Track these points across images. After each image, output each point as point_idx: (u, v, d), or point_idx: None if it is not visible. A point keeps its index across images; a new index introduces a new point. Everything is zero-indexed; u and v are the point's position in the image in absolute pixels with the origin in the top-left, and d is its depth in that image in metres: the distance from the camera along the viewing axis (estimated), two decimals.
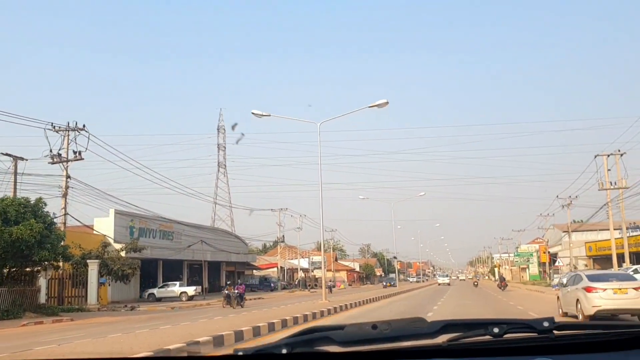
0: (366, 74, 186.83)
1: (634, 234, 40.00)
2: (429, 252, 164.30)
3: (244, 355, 1.60)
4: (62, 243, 23.67)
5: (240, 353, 1.61)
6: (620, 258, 43.87)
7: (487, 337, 1.65)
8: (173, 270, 52.28)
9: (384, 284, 64.01)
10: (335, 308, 19.12)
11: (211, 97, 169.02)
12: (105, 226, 39.89)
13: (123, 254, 33.81)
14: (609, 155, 36.32)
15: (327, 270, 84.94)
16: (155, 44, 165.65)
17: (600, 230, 60.88)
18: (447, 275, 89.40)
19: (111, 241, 37.47)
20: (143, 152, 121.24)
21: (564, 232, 73.70)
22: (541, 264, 77.44)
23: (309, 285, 64.61)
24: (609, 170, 36.23)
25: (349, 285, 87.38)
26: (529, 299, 27.47)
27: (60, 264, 26.62)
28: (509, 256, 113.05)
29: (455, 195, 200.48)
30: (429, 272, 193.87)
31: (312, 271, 71.75)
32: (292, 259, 79.10)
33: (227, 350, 2.40)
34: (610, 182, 35.92)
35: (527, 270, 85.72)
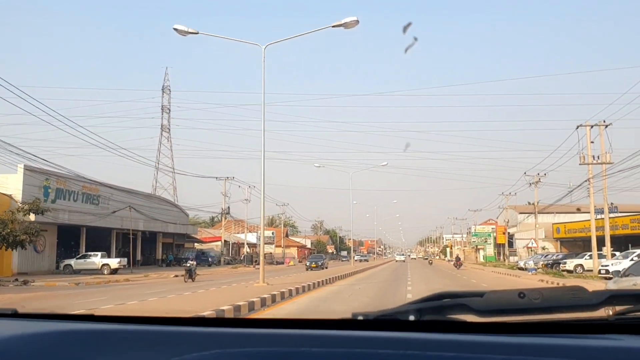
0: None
1: (611, 215, 36.82)
2: (381, 230, 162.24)
3: (364, 319, 1.44)
4: None
5: (360, 317, 1.44)
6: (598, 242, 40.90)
7: None
8: (101, 239, 46.20)
9: (308, 264, 43.52)
10: (273, 296, 13.65)
11: (157, 56, 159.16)
12: (12, 184, 33.57)
13: (32, 217, 27.92)
14: (592, 127, 32.66)
15: (277, 247, 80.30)
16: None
17: (557, 213, 58.58)
18: (403, 255, 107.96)
19: (18, 203, 31.32)
20: (77, 111, 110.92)
21: (521, 213, 71.48)
22: (497, 246, 75.33)
23: (255, 261, 59.68)
24: (591, 142, 32.63)
25: (299, 262, 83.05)
26: (511, 284, 23.37)
27: None
28: (462, 237, 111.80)
29: (413, 171, 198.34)
30: (379, 250, 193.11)
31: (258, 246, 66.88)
32: (239, 233, 73.90)
33: (344, 315, 1.49)
34: (593, 157, 32.35)
35: (481, 251, 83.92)
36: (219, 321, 1.63)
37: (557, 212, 58.36)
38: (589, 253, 34.52)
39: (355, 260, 77.10)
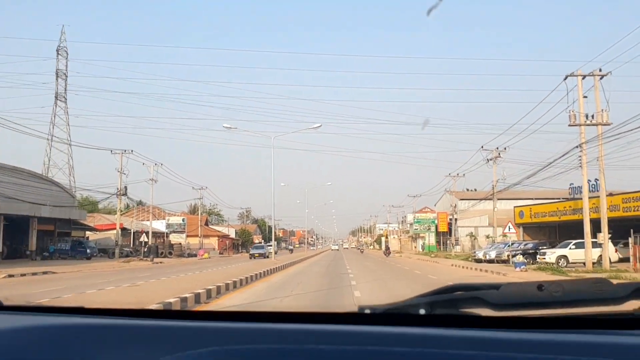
0: None
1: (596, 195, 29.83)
2: (314, 219, 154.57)
3: (372, 313, 1.36)
4: None
5: (367, 311, 1.36)
6: (573, 228, 33.86)
7: None
8: None
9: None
10: None
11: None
12: None
13: None
14: (584, 77, 25.20)
15: (193, 236, 69.98)
16: None
17: (501, 199, 52.17)
18: (337, 244, 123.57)
19: None
20: None
21: (462, 199, 64.95)
22: (437, 234, 68.75)
23: (161, 253, 49.50)
24: (585, 97, 25.18)
25: (220, 253, 73.12)
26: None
27: None
28: (399, 225, 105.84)
29: (348, 152, 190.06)
30: (311, 241, 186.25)
31: (168, 236, 56.21)
32: (146, 220, 62.99)
33: (351, 308, 1.35)
34: (586, 116, 24.97)
35: (419, 240, 77.53)
36: (215, 315, 1.47)
37: (500, 199, 52.06)
38: (574, 241, 27.29)
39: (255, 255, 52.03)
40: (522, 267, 20.37)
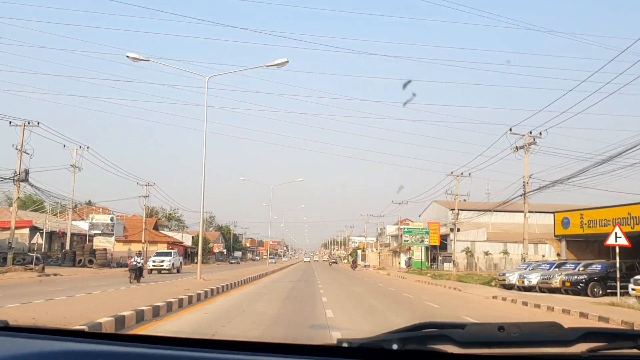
0: None
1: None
2: (283, 227, 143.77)
3: (349, 347, 1.44)
4: None
5: (344, 345, 1.45)
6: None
7: (635, 350, 1.45)
8: None
9: None
10: None
11: None
12: None
13: None
14: None
15: (137, 242, 58.16)
16: None
17: (500, 211, 42.15)
18: (309, 257, 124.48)
19: None
20: None
21: (452, 209, 54.58)
22: (429, 248, 58.35)
23: (79, 262, 37.83)
24: None
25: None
26: None
27: None
28: (377, 237, 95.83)
29: (322, 145, 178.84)
30: (281, 252, 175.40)
31: (91, 239, 44.14)
32: (78, 220, 50.73)
33: (331, 341, 1.58)
34: None
35: (402, 255, 67.18)
36: (217, 343, 1.51)
37: (500, 211, 42.05)
38: None
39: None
40: None
